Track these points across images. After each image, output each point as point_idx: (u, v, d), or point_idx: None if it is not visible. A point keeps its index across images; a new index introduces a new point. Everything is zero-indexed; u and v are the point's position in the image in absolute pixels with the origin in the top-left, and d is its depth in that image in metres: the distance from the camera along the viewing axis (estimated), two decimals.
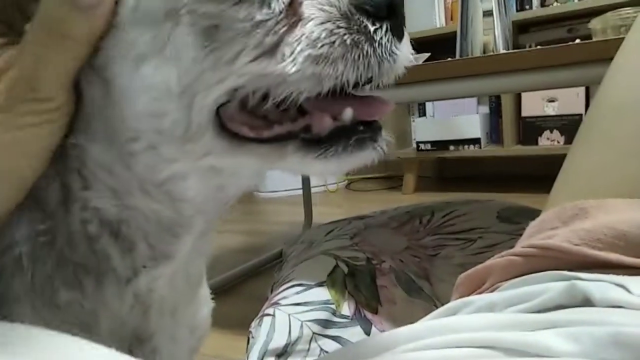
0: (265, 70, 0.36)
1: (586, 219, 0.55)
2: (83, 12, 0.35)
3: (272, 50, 0.36)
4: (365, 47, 0.37)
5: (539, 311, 0.47)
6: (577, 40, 2.10)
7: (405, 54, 0.40)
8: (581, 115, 3.08)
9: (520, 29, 3.17)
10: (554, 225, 0.58)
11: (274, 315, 1.11)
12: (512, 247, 1.31)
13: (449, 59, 1.31)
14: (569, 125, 3.10)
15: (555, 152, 3.10)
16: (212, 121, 0.38)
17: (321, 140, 0.39)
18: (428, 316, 0.54)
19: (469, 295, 0.60)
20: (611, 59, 0.88)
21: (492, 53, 2.09)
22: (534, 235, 0.60)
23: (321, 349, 1.09)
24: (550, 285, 0.48)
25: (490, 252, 1.30)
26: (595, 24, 1.28)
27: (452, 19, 3.46)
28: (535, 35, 3.18)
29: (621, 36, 1.22)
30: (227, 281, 1.92)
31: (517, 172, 3.53)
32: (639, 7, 1.21)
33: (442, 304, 1.23)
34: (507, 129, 3.26)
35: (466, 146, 3.37)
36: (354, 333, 1.12)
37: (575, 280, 0.47)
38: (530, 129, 3.23)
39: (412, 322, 1.19)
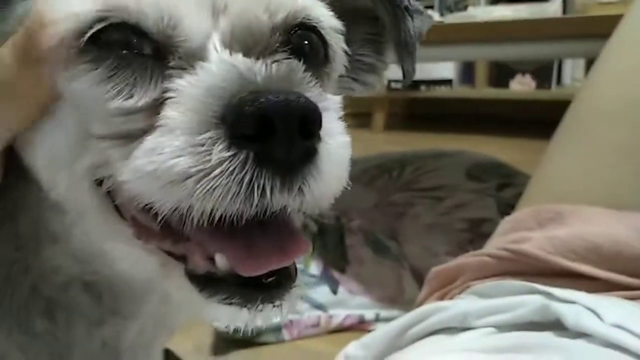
0: (113, 158, 0.31)
1: (562, 224, 0.55)
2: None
3: (124, 143, 0.31)
4: (214, 181, 0.28)
5: (512, 324, 0.48)
6: None
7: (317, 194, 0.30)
8: (552, 60, 3.07)
9: None
10: (529, 225, 0.57)
11: None
12: (479, 207, 1.34)
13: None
14: (541, 70, 3.10)
15: (526, 96, 3.11)
16: (95, 199, 0.34)
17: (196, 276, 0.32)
18: (401, 320, 0.54)
19: (439, 290, 0.61)
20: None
21: None
22: (507, 234, 0.59)
23: None
24: (524, 299, 0.48)
25: (458, 212, 1.32)
26: None
27: None
28: None
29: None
30: None
31: (487, 113, 3.54)
32: None
33: (409, 264, 1.26)
34: (480, 71, 3.24)
35: (437, 86, 3.35)
36: (322, 292, 1.14)
37: (548, 296, 0.47)
38: (502, 71, 3.22)
39: (379, 282, 1.22)
